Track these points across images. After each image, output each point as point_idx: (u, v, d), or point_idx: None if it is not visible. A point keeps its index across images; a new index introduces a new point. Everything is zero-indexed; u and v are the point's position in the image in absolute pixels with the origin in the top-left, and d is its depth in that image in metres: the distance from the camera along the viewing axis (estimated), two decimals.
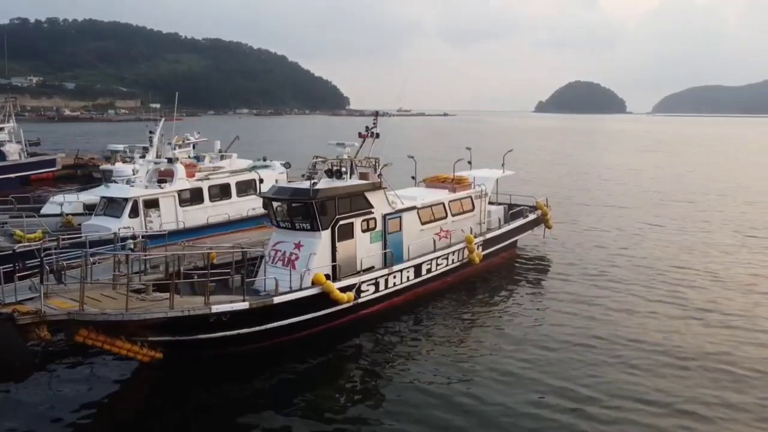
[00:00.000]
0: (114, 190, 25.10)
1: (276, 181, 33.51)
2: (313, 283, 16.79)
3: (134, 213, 24.32)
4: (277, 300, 15.73)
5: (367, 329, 18.35)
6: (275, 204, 18.62)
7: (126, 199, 24.20)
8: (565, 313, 19.97)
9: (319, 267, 17.66)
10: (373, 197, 19.68)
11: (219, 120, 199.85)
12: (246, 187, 28.91)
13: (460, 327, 19.00)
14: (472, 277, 23.23)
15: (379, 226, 19.94)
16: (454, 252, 22.14)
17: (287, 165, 20.20)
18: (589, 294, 21.96)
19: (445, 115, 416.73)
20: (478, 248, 23.05)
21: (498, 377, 15.32)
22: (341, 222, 18.57)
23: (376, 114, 21.76)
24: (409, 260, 20.47)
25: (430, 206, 22.38)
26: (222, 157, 36.38)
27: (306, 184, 18.58)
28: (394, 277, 19.63)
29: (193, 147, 45.32)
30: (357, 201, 19.17)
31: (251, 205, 28.74)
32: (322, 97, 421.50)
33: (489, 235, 24.19)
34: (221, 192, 27.82)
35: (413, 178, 26.45)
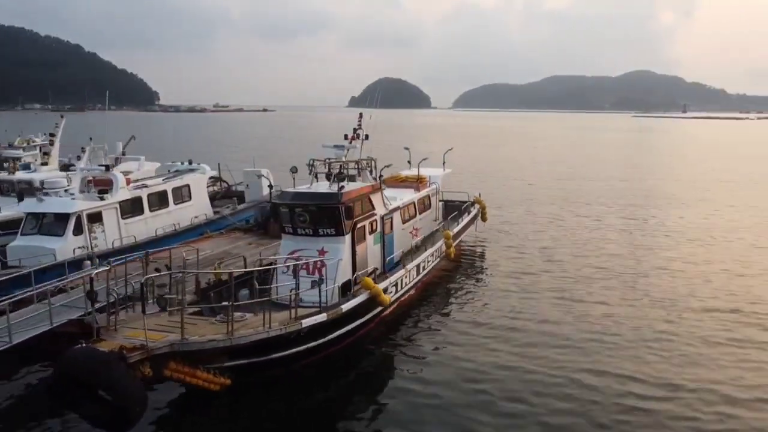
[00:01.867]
0: (51, 204, 21.63)
1: (222, 185, 31.53)
2: (361, 288, 16.65)
3: (78, 229, 21.39)
4: (345, 308, 15.36)
5: (392, 330, 18.69)
6: (297, 210, 17.87)
7: (69, 214, 21.16)
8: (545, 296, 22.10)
9: (345, 272, 17.48)
10: (374, 199, 19.81)
11: (17, 117, 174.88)
12: (181, 194, 26.77)
13: (471, 314, 20.22)
14: (447, 270, 24.47)
15: (379, 228, 20.12)
16: (438, 248, 23.08)
17: (294, 170, 19.10)
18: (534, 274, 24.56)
19: (265, 110, 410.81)
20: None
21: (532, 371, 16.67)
22: (358, 225, 18.47)
23: (360, 115, 21.77)
24: (400, 259, 20.99)
25: (407, 206, 23.02)
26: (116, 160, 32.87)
27: (323, 188, 18.19)
28: (406, 276, 20.02)
29: (40, 149, 39.95)
30: (366, 203, 19.17)
31: (188, 214, 26.79)
32: (129, 92, 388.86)
33: (455, 230, 25.49)
34: (159, 201, 25.46)
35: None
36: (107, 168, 23.52)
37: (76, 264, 20.18)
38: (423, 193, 24.81)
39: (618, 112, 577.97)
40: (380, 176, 20.53)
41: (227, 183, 34.21)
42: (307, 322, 13.97)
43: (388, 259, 20.29)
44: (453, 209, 28.75)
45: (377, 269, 19.68)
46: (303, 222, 17.97)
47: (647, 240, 31.70)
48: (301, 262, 17.57)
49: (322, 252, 17.72)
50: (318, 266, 17.54)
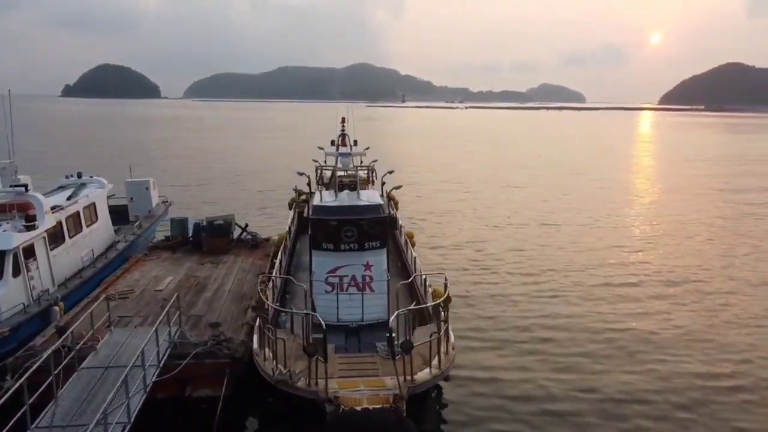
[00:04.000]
0: None
1: (133, 199, 26.85)
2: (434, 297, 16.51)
3: (17, 270, 16.74)
4: None
5: None
6: (347, 225, 16.72)
7: (6, 252, 16.36)
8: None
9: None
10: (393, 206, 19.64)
11: None
12: (90, 215, 22.33)
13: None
14: None
15: None
16: None
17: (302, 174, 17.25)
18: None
19: None
20: None
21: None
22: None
23: (343, 119, 21.02)
24: None
25: None
26: None
27: (366, 198, 17.44)
28: None
29: None
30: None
31: (100, 238, 22.65)
32: None
33: None
34: (75, 225, 20.95)
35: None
36: (26, 188, 18.64)
37: (41, 314, 16.07)
38: None
39: (349, 101, 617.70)
40: (383, 183, 20.23)
41: None
42: None
43: None
44: None
45: None
46: (350, 237, 17.03)
47: None
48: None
49: (367, 266, 17.09)
50: (366, 281, 16.94)
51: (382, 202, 17.26)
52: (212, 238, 23.41)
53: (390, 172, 20.27)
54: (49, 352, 13.03)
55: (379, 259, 17.15)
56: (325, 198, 17.95)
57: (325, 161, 20.39)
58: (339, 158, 19.63)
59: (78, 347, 12.97)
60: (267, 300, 15.64)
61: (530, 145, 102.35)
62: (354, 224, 16.85)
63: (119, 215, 26.61)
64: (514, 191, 48.81)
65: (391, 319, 13.30)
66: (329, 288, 16.54)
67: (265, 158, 72.62)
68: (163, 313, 14.19)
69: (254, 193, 46.69)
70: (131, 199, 27.65)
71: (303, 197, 30.41)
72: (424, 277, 17.68)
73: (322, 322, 12.07)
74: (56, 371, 11.73)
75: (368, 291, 16.58)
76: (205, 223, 24.01)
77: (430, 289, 17.03)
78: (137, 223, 25.57)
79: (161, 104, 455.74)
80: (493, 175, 58.51)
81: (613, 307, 21.50)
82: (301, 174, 24.30)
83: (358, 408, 9.65)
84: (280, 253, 20.32)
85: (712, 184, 54.72)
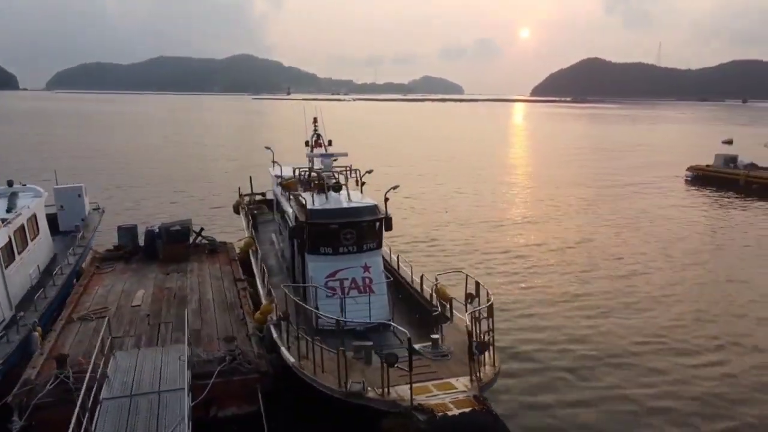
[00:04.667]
0: None
1: (63, 207, 24.43)
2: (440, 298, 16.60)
3: None
4: None
5: None
6: (346, 228, 16.33)
7: None
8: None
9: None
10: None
11: None
12: (33, 228, 20.17)
13: None
14: None
15: None
16: None
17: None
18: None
19: None
20: None
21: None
22: None
23: (315, 119, 20.46)
24: None
25: None
26: None
27: (356, 199, 17.15)
28: None
29: None
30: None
31: (44, 251, 20.64)
32: None
33: None
34: (21, 239, 18.83)
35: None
36: None
37: (22, 343, 14.39)
38: None
39: (231, 94, 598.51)
40: (363, 183, 19.96)
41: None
42: None
43: None
44: None
45: None
46: (349, 239, 16.75)
47: None
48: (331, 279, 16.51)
49: (366, 267, 16.92)
50: (366, 283, 16.79)
51: (376, 203, 17.16)
52: (170, 245, 22.00)
53: (369, 172, 20.17)
54: (54, 383, 11.98)
55: (376, 260, 17.09)
56: (317, 201, 17.52)
57: (312, 163, 19.95)
58: (321, 160, 19.22)
59: (96, 374, 11.78)
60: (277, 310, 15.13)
61: (436, 136, 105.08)
62: (354, 226, 16.65)
63: (51, 225, 24.23)
64: (444, 186, 49.57)
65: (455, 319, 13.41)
66: (330, 293, 16.23)
67: (177, 157, 68.84)
68: (162, 331, 13.28)
69: (182, 193, 44.28)
70: (61, 207, 25.24)
71: (249, 199, 29.55)
72: (421, 275, 17.82)
73: (357, 323, 11.89)
74: (79, 406, 10.62)
75: (369, 293, 16.48)
76: (157, 230, 22.52)
77: (430, 288, 17.24)
78: (80, 234, 23.39)
79: (18, 96, 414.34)
80: (413, 169, 59.47)
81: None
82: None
83: (450, 413, 9.65)
84: (259, 260, 19.63)
85: (592, 168, 59.52)
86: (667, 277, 24.94)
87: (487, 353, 11.99)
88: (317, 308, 15.38)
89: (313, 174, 18.61)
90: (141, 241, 22.89)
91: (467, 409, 9.71)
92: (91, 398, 11.12)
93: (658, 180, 52.87)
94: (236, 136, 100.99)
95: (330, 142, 20.19)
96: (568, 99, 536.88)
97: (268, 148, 27.89)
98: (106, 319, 13.72)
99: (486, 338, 11.75)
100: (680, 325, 19.78)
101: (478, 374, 11.09)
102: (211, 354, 13.83)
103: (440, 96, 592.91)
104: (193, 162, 63.47)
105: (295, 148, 26.29)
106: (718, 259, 27.98)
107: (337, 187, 18.36)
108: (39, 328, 14.77)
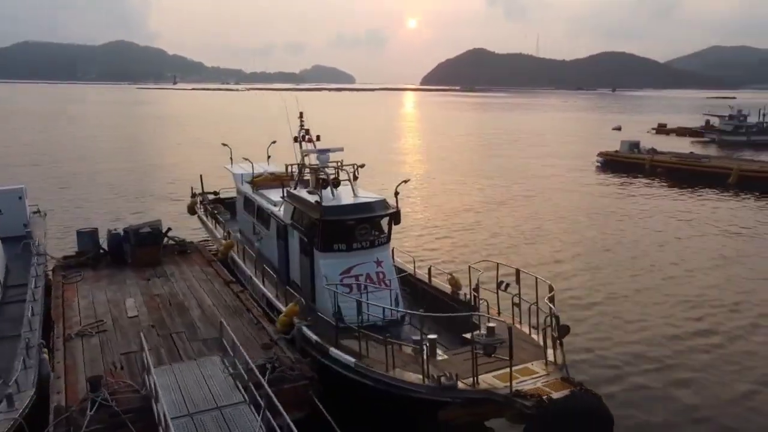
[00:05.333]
0: None
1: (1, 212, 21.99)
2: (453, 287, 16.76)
3: None
4: None
5: None
6: (362, 223, 16.02)
7: None
8: None
9: None
10: None
11: None
12: None
13: None
14: None
15: None
16: None
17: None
18: None
19: None
20: None
21: None
22: None
23: (301, 114, 19.77)
24: None
25: None
26: None
27: (362, 194, 16.87)
28: None
29: None
30: None
31: None
32: None
33: None
34: None
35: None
36: None
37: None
38: None
39: (108, 83, 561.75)
40: (356, 177, 19.57)
41: None
42: None
43: None
44: None
45: None
46: (363, 235, 16.47)
47: None
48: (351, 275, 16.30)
49: (378, 262, 16.76)
50: (380, 278, 16.67)
51: (384, 197, 17.03)
52: (141, 249, 20.56)
53: (361, 166, 19.89)
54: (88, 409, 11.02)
55: (386, 254, 17.04)
56: (324, 197, 17.02)
57: (305, 159, 19.35)
58: (317, 155, 18.68)
59: (138, 394, 10.88)
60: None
61: (346, 126, 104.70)
62: (369, 221, 16.47)
63: None
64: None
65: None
66: (347, 290, 15.97)
67: (104, 152, 63.89)
68: (179, 342, 12.53)
69: (118, 190, 41.22)
70: None
71: (203, 198, 28.13)
72: (429, 267, 17.96)
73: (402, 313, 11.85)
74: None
75: (384, 287, 16.41)
76: (123, 233, 20.99)
77: (439, 280, 17.45)
78: (35, 241, 21.18)
79: None
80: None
81: None
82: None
83: (555, 396, 9.87)
84: (254, 264, 19.02)
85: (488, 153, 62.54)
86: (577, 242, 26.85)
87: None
88: (338, 306, 15.09)
89: (312, 170, 18.10)
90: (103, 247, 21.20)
91: (568, 391, 9.98)
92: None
93: (575, 166, 56.34)
94: (145, 132, 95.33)
95: (318, 137, 19.69)
96: (458, 88, 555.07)
97: (225, 144, 26.74)
98: (141, 333, 12.70)
99: (550, 323, 11.94)
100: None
101: (554, 357, 11.40)
102: (245, 362, 13.15)
103: (336, 85, 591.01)
104: (113, 158, 59.22)
105: (241, 143, 25.55)
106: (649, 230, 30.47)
107: (337, 183, 18.04)
108: (45, 349, 13.37)
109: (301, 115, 19.74)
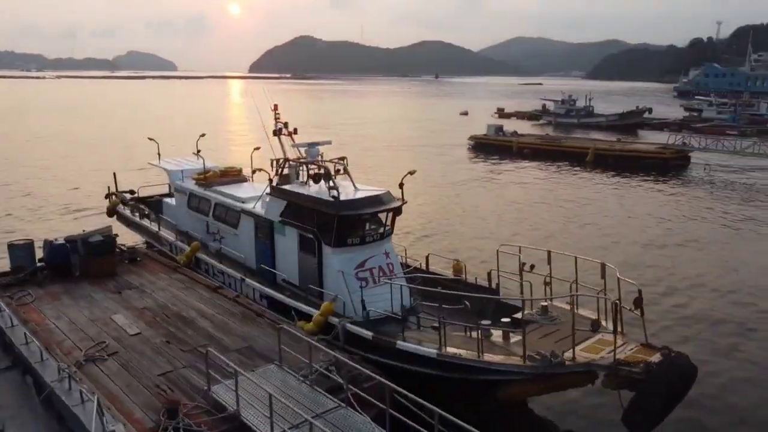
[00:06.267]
0: None
1: None
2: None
3: None
4: None
5: None
6: (375, 217, 15.86)
7: None
8: None
9: None
10: None
11: None
12: None
13: None
14: None
15: None
16: None
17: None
18: None
19: None
20: None
21: None
22: None
23: (275, 106, 18.75)
24: None
25: None
26: None
27: (367, 188, 16.64)
28: None
29: None
30: None
31: None
32: None
33: None
34: None
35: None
36: None
37: None
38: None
39: None
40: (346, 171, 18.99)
41: None
42: None
43: None
44: None
45: None
46: (374, 228, 16.37)
47: None
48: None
49: (386, 254, 16.77)
50: (390, 269, 16.69)
51: (387, 189, 17.04)
52: (93, 260, 18.34)
53: (342, 159, 19.52)
54: None
55: (391, 246, 17.21)
56: (329, 191, 16.52)
57: (285, 153, 18.47)
58: (308, 149, 17.93)
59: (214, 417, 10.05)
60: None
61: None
62: (381, 214, 16.43)
63: None
64: None
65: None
66: (363, 283, 15.91)
67: None
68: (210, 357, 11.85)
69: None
70: None
71: (119, 198, 25.55)
72: (426, 255, 18.37)
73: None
74: None
75: (396, 279, 16.55)
76: (67, 243, 18.56)
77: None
78: None
79: None
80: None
81: None
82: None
83: (656, 360, 10.87)
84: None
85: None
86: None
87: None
88: (363, 299, 15.03)
89: (303, 164, 17.54)
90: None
91: (665, 354, 11.10)
92: None
93: (449, 147, 59.55)
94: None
95: (295, 130, 18.96)
96: (289, 75, 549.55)
97: (151, 139, 24.52)
98: (206, 352, 11.55)
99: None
100: None
101: (617, 327, 12.46)
102: (298, 369, 12.55)
103: (159, 73, 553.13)
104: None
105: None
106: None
107: (329, 177, 17.63)
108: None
109: (275, 107, 18.89)
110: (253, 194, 19.98)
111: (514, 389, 12.30)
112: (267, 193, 18.05)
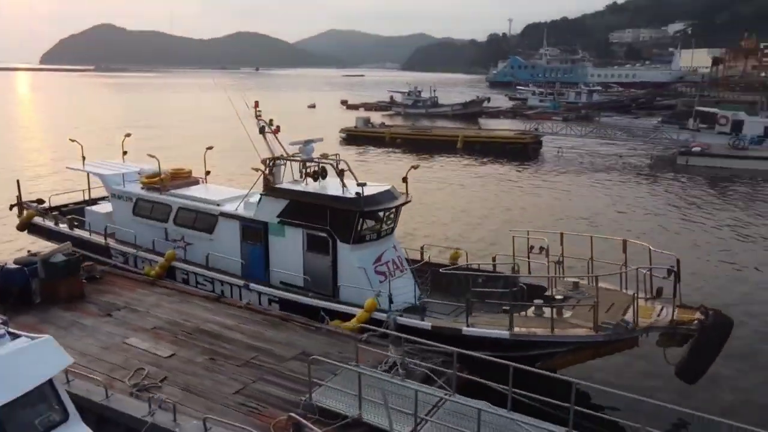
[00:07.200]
0: None
1: None
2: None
3: None
4: None
5: None
6: (389, 213, 16.02)
7: None
8: None
9: None
10: None
11: None
12: None
13: None
14: None
15: None
16: None
17: None
18: None
19: None
20: None
21: None
22: None
23: (256, 103, 17.72)
24: None
25: None
26: None
27: (375, 185, 16.60)
28: None
29: None
30: None
31: None
32: None
33: None
34: None
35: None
36: None
37: None
38: None
39: None
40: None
41: None
42: None
43: None
44: None
45: None
46: (388, 224, 16.56)
47: None
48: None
49: (395, 248, 17.05)
50: (399, 262, 16.97)
51: (392, 185, 17.24)
52: (59, 282, 16.11)
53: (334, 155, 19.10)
54: None
55: (396, 241, 17.59)
56: (337, 188, 16.23)
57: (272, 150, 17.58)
58: (303, 147, 17.21)
59: None
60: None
61: None
62: (395, 210, 16.64)
63: None
64: None
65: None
66: (382, 277, 16.18)
67: None
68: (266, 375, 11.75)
69: None
70: None
71: (38, 208, 22.44)
72: (422, 246, 18.92)
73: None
74: None
75: (406, 270, 17.02)
76: (25, 268, 16.04)
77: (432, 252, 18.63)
78: None
79: None
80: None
81: None
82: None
83: (702, 317, 12.64)
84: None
85: None
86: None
87: None
88: (390, 293, 15.30)
89: (299, 162, 17.12)
90: None
91: (704, 311, 12.95)
92: None
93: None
94: None
95: (278, 128, 18.16)
96: (92, 68, 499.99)
97: (73, 140, 21.78)
98: (309, 359, 11.07)
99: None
100: None
101: (654, 293, 14.17)
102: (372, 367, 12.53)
103: None
104: None
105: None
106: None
107: (325, 174, 17.43)
108: None
109: (256, 104, 18.04)
110: (223, 197, 18.96)
111: (569, 358, 13.54)
112: (261, 194, 17.23)
